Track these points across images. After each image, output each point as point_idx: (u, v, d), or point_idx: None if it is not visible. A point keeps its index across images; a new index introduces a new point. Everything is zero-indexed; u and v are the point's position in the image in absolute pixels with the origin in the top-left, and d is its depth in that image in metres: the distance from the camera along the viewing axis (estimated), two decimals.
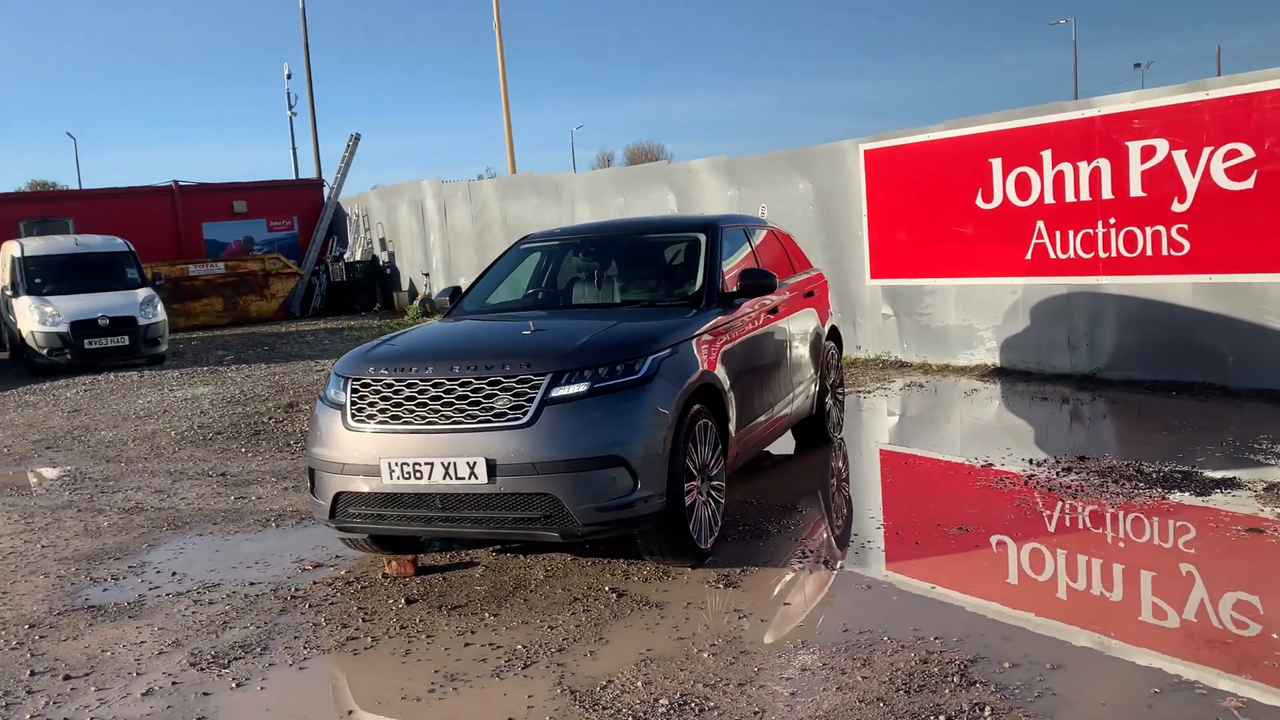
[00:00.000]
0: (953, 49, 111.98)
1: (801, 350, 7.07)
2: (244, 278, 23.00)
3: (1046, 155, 9.63)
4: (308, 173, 33.99)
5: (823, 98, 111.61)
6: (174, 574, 5.66)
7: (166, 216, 24.99)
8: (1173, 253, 8.78)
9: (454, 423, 4.73)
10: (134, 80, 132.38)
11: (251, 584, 5.39)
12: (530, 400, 4.67)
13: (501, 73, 22.97)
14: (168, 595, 5.30)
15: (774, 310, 6.48)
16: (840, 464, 7.28)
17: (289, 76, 35.00)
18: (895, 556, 5.16)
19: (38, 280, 16.13)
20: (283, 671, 4.26)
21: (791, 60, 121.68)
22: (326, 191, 26.74)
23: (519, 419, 4.65)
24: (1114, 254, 9.19)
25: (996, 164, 10.08)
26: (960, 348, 10.75)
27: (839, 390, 8.00)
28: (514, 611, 4.71)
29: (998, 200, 10.13)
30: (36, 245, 16.84)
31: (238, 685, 4.14)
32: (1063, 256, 9.61)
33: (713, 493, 5.29)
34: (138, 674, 4.31)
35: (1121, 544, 5.12)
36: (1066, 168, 9.47)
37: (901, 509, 6.07)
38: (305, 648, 4.48)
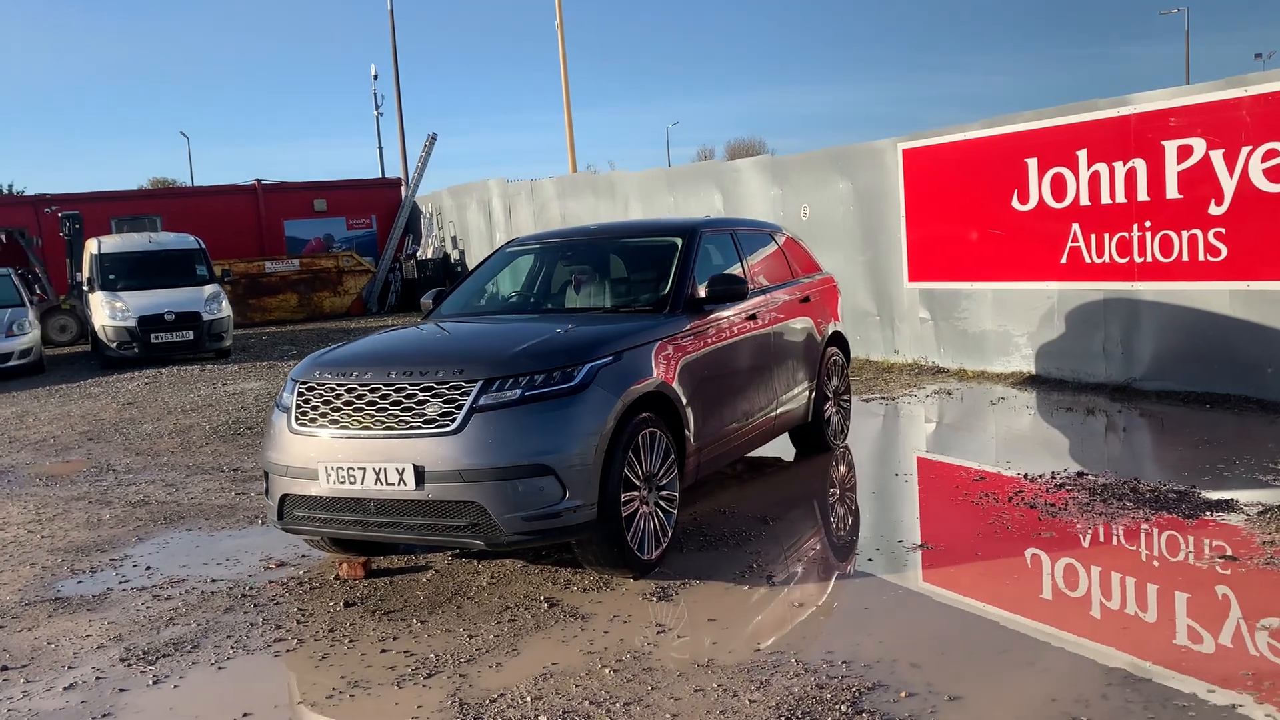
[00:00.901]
0: (1063, 40, 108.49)
1: (793, 357, 6.91)
2: (318, 275, 23.62)
3: (1082, 155, 9.23)
4: (394, 171, 34.75)
5: (930, 90, 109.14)
6: (148, 568, 5.83)
7: (250, 214, 25.84)
8: (1209, 258, 8.33)
9: (387, 428, 4.75)
10: (241, 78, 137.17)
11: (213, 581, 5.51)
12: (460, 407, 4.66)
13: (563, 71, 23.14)
14: (132, 589, 5.45)
15: (753, 317, 6.35)
16: (832, 474, 7.10)
17: (375, 77, 35.82)
18: (842, 574, 5.00)
19: (111, 276, 16.81)
20: (202, 671, 4.34)
21: (903, 51, 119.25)
22: (404, 190, 27.29)
23: (447, 426, 4.65)
24: (1149, 259, 8.77)
25: (1032, 164, 9.71)
26: (996, 354, 10.40)
27: (844, 397, 7.81)
28: (443, 619, 4.72)
29: (1033, 202, 9.76)
30: (113, 243, 17.56)
31: (154, 683, 4.23)
32: (1098, 261, 9.21)
33: (661, 503, 5.21)
34: (69, 667, 4.44)
35: (1080, 569, 4.86)
36: (1102, 168, 9.07)
37: (873, 523, 5.88)
38: (233, 648, 4.55)
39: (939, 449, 7.81)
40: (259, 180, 26.10)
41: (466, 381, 4.71)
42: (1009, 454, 7.31)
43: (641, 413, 5.08)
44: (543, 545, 4.88)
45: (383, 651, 4.39)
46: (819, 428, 7.41)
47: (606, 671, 4.02)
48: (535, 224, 20.12)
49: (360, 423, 4.82)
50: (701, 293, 5.88)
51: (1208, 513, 5.51)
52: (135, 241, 17.71)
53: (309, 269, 23.53)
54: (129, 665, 4.42)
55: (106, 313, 15.99)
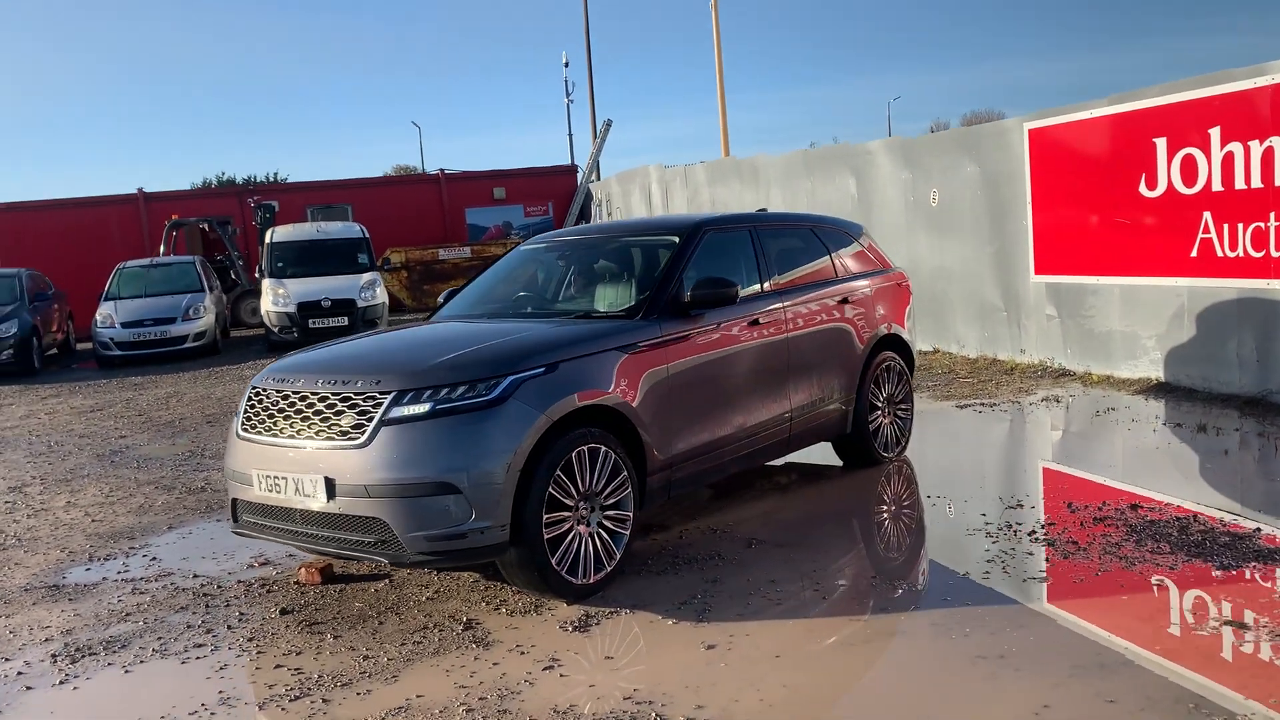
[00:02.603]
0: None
1: (820, 364, 6.38)
2: (488, 262, 24.13)
3: (1215, 134, 8.07)
4: (584, 158, 35.30)
5: (1173, 55, 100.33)
6: (152, 559, 6.05)
7: (434, 203, 26.87)
8: None
9: (307, 438, 4.68)
10: (467, 69, 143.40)
11: (195, 576, 5.65)
12: (370, 419, 4.52)
13: (717, 49, 22.55)
14: (121, 581, 5.66)
15: (755, 322, 5.88)
16: (863, 492, 6.51)
17: (566, 64, 36.43)
18: (784, 612, 4.52)
19: (280, 264, 17.86)
20: (109, 674, 4.41)
21: (1158, 17, 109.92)
22: (580, 177, 27.64)
23: (357, 438, 4.52)
24: None
25: (1161, 144, 8.59)
26: (1123, 358, 9.31)
27: (901, 406, 7.16)
28: (357, 635, 4.61)
29: (1162, 187, 8.64)
30: (284, 232, 18.64)
31: (60, 683, 4.34)
32: (1231, 255, 8.04)
33: (608, 524, 4.89)
34: (4, 659, 4.63)
35: (1061, 628, 4.18)
36: (1236, 148, 7.89)
37: (867, 553, 5.33)
38: (153, 651, 4.61)
39: (991, 469, 7.04)
40: (442, 170, 27.10)
41: (380, 393, 4.56)
42: (1066, 478, 6.48)
43: (582, 427, 4.79)
44: (454, 566, 4.68)
45: (276, 667, 4.32)
46: (863, 439, 6.82)
47: (462, 710, 3.78)
48: (689, 210, 19.83)
49: (285, 431, 4.77)
50: (686, 297, 5.48)
51: (1254, 562, 4.64)
52: (304, 231, 18.72)
53: (479, 256, 24.22)
54: (55, 662, 4.56)
55: (270, 299, 17.01)
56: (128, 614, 5.11)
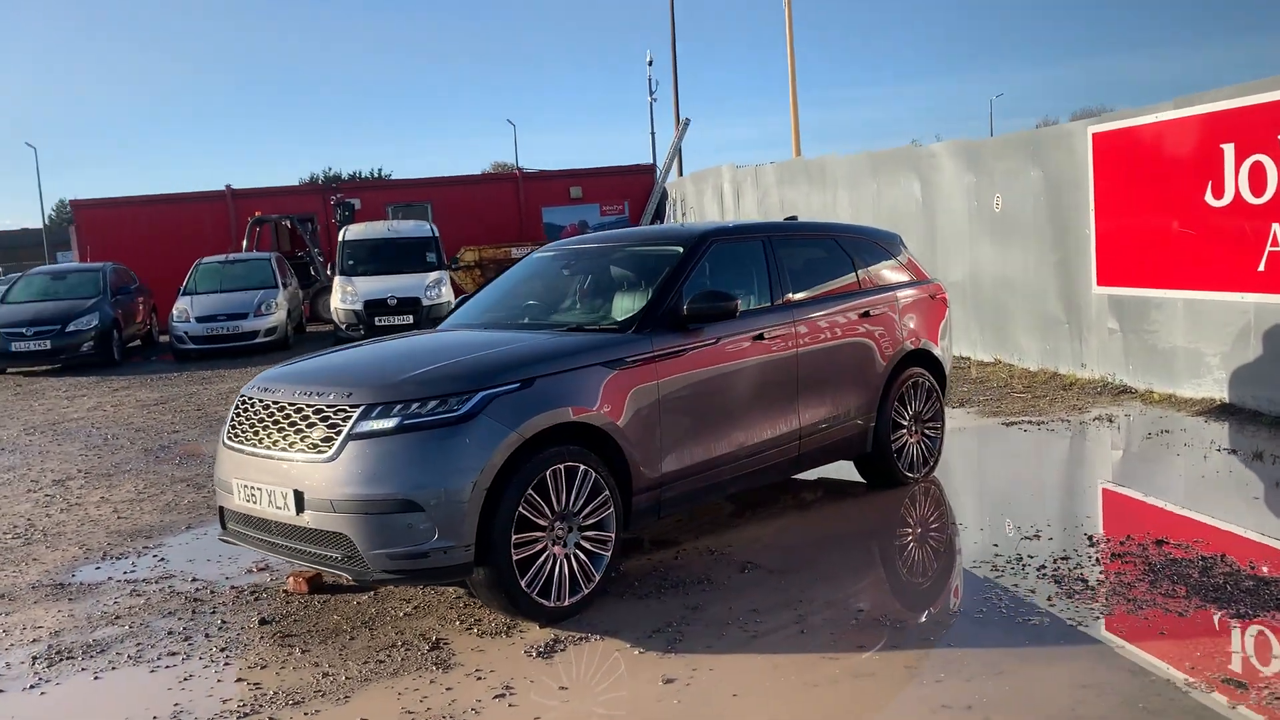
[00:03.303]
0: None
1: (835, 380, 6.14)
2: None
3: None
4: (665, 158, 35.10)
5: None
6: (160, 560, 6.12)
7: (511, 201, 27.06)
8: None
9: (281, 450, 4.65)
10: (560, 67, 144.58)
11: (194, 580, 5.69)
12: (339, 433, 4.47)
13: (789, 47, 22.13)
14: (124, 582, 5.73)
15: (759, 337, 5.67)
16: (878, 516, 6.23)
17: (650, 63, 36.30)
18: (757, 646, 4.32)
19: (351, 262, 18.14)
20: (79, 680, 4.45)
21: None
22: (657, 176, 27.52)
23: (326, 452, 4.47)
24: None
25: (1229, 150, 8.07)
26: (1187, 376, 8.80)
27: (930, 425, 6.86)
28: (325, 651, 4.56)
29: (1229, 196, 8.12)
30: (357, 230, 18.93)
31: (31, 687, 4.39)
32: None
33: (586, 544, 4.76)
34: None
35: (1038, 678, 3.90)
36: None
37: (861, 584, 5.07)
38: (128, 658, 4.64)
39: (1025, 494, 6.68)
40: (520, 169, 27.28)
41: (350, 406, 4.50)
42: (1095, 508, 6.11)
43: (559, 444, 4.66)
44: (421, 584, 4.60)
45: (237, 681, 4.30)
46: (885, 459, 6.55)
47: None
48: (758, 211, 19.56)
49: (264, 442, 4.75)
50: (684, 311, 5.31)
51: (1276, 611, 4.27)
52: (375, 230, 18.99)
53: None
54: (33, 664, 4.62)
55: (339, 296, 17.29)
56: (118, 617, 5.16)
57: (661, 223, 26.10)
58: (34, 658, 4.69)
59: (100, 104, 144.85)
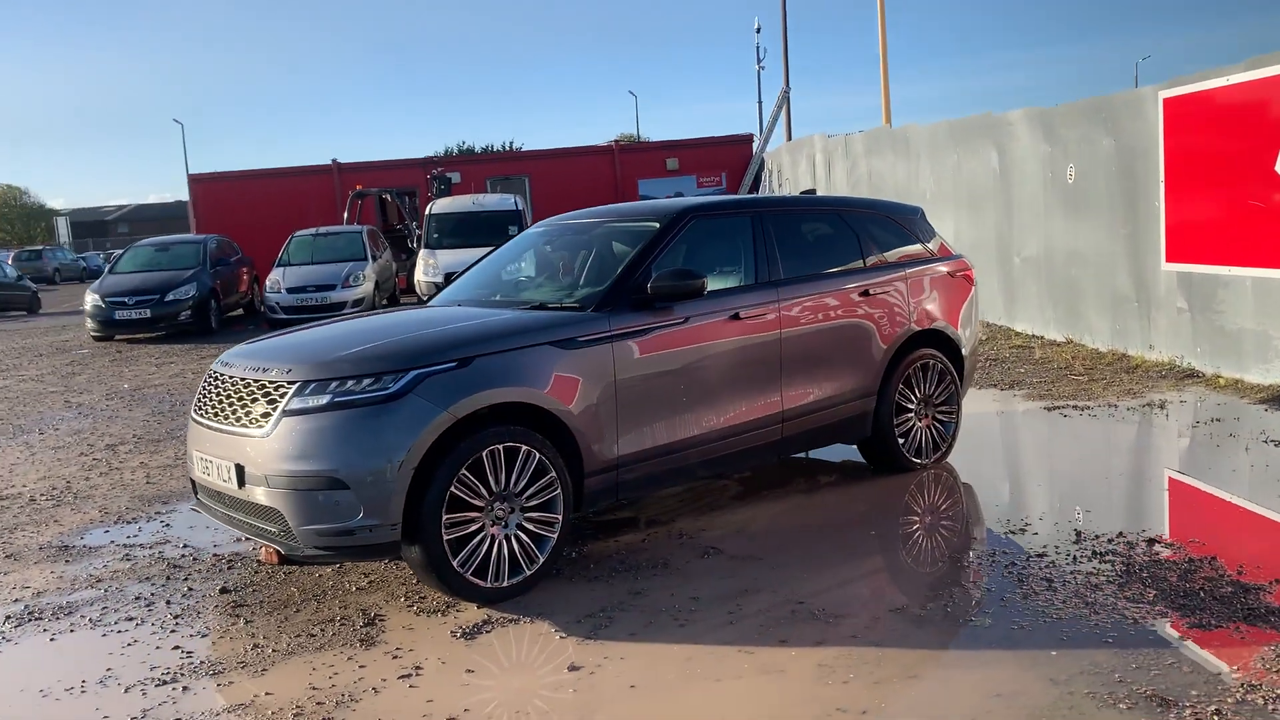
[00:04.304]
0: None
1: (824, 361, 5.91)
2: None
3: None
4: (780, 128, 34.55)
5: None
6: (165, 526, 6.35)
7: (607, 173, 27.09)
8: None
9: (229, 424, 4.73)
10: (682, 40, 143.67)
11: (184, 546, 5.88)
12: (276, 409, 4.52)
13: (880, 6, 21.31)
14: (122, 546, 5.96)
15: (736, 316, 5.49)
16: (875, 502, 5.97)
17: (758, 30, 35.67)
18: (680, 636, 4.20)
19: (436, 235, 18.45)
20: (35, 641, 4.64)
21: None
22: (756, 146, 27.11)
23: (263, 427, 4.53)
24: None
25: None
26: (1255, 360, 8.17)
27: (943, 409, 6.54)
28: (266, 622, 4.64)
29: None
30: (444, 204, 19.23)
31: None
32: None
33: (530, 525, 4.71)
34: None
35: (954, 683, 3.67)
36: None
37: (815, 574, 4.84)
38: (89, 622, 4.81)
39: (1035, 483, 6.31)
40: (615, 141, 27.23)
41: (288, 382, 4.54)
42: (1104, 501, 5.73)
43: (499, 424, 4.61)
44: (349, 561, 4.62)
45: (174, 649, 4.42)
46: (887, 444, 6.29)
47: (291, 715, 3.73)
48: (847, 182, 19.02)
49: (218, 415, 4.84)
50: (648, 290, 5.18)
51: (1240, 623, 3.92)
52: (461, 204, 19.24)
53: None
54: (3, 624, 4.84)
55: (422, 268, 17.62)
56: (99, 580, 5.37)
57: (757, 193, 25.73)
58: (6, 618, 4.91)
59: (246, 81, 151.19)
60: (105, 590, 5.20)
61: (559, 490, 4.79)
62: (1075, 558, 4.76)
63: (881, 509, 5.87)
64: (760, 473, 6.63)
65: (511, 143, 57.43)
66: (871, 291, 6.16)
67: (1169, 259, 9.17)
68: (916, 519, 5.71)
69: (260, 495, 4.51)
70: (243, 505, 4.67)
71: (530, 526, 4.73)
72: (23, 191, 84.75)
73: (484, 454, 4.55)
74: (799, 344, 5.77)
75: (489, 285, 6.02)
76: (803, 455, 6.83)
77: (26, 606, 5.04)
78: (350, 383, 4.47)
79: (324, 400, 4.43)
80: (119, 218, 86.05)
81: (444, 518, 4.45)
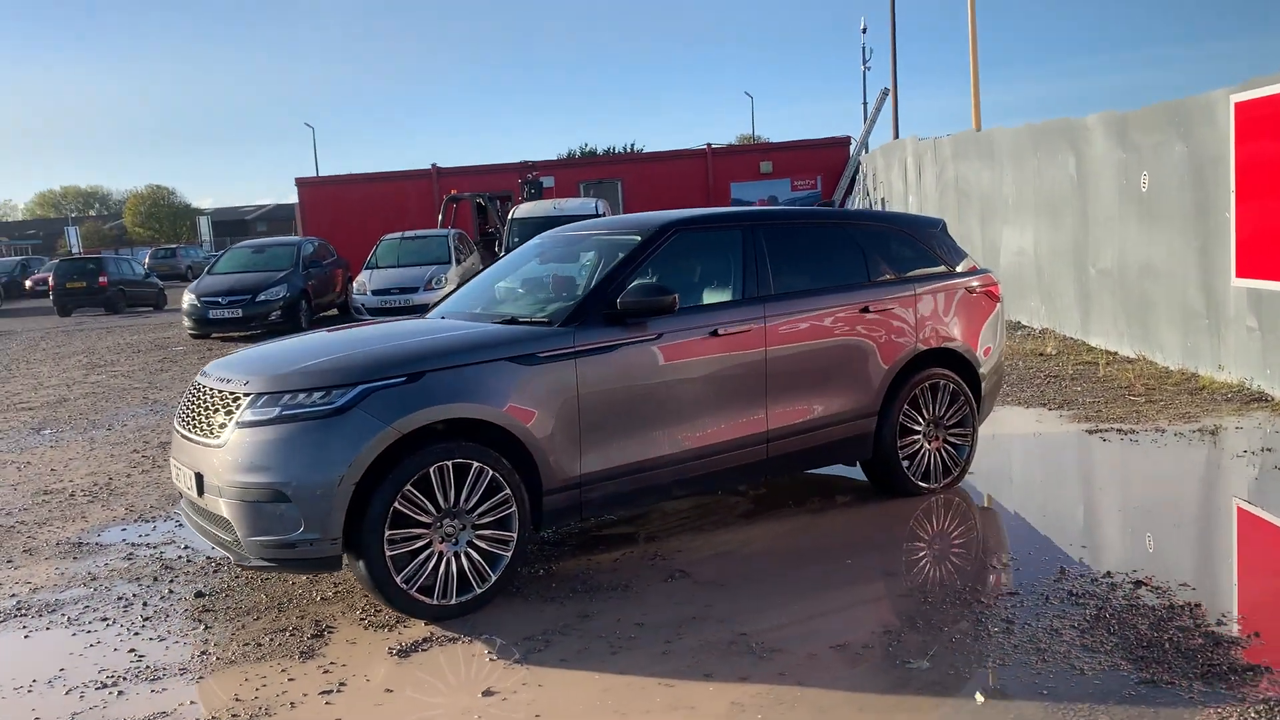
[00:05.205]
0: None
1: (817, 380, 5.73)
2: None
3: None
4: (884, 129, 33.88)
5: None
6: (177, 525, 6.55)
7: (700, 177, 26.95)
8: None
9: (194, 433, 4.84)
10: (798, 40, 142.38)
11: (185, 548, 6.05)
12: (231, 420, 4.60)
13: (971, 14, 20.55)
14: (128, 545, 6.17)
15: (714, 333, 5.35)
16: (871, 529, 5.74)
17: (864, 30, 35.06)
18: (610, 665, 4.11)
19: (517, 239, 18.58)
20: (8, 637, 4.84)
21: None
22: (853, 149, 26.60)
23: (220, 438, 4.62)
24: None
25: None
26: None
27: (954, 431, 6.26)
28: (225, 628, 4.74)
29: None
30: (525, 209, 19.41)
31: None
32: None
33: (480, 543, 4.68)
34: None
35: None
36: None
37: (766, 606, 4.68)
38: (67, 620, 4.99)
39: (1047, 514, 5.97)
40: (709, 144, 27.06)
41: (244, 394, 4.62)
42: (1109, 535, 5.38)
43: (449, 440, 4.60)
44: (294, 573, 4.66)
45: (130, 651, 4.55)
46: (890, 466, 6.05)
47: None
48: (936, 187, 18.48)
49: (188, 424, 4.96)
50: (617, 306, 5.10)
51: (1196, 683, 3.61)
52: (541, 208, 19.39)
53: None
54: None
55: None
56: (94, 579, 5.57)
57: (849, 196, 25.25)
58: None
59: (374, 87, 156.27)
60: (94, 589, 5.39)
61: (514, 508, 4.75)
62: (1048, 598, 4.48)
63: (875, 538, 5.62)
64: (777, 489, 6.49)
65: (633, 145, 57.70)
66: (872, 309, 5.93)
67: (1239, 274, 8.60)
68: (905, 549, 5.46)
69: (215, 505, 4.60)
70: (205, 514, 4.78)
71: (482, 544, 4.70)
72: (170, 191, 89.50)
73: (431, 470, 4.54)
74: (787, 362, 5.59)
75: (478, 298, 6.02)
76: (826, 472, 6.64)
77: (19, 603, 5.26)
78: (301, 395, 4.52)
79: (273, 413, 4.49)
80: (258, 217, 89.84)
81: (387, 533, 4.46)
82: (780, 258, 5.77)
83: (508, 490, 4.73)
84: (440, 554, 4.61)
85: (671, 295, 5.09)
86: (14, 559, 6.00)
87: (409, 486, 4.50)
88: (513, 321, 5.28)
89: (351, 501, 4.42)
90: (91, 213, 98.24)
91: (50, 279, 29.21)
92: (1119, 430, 7.55)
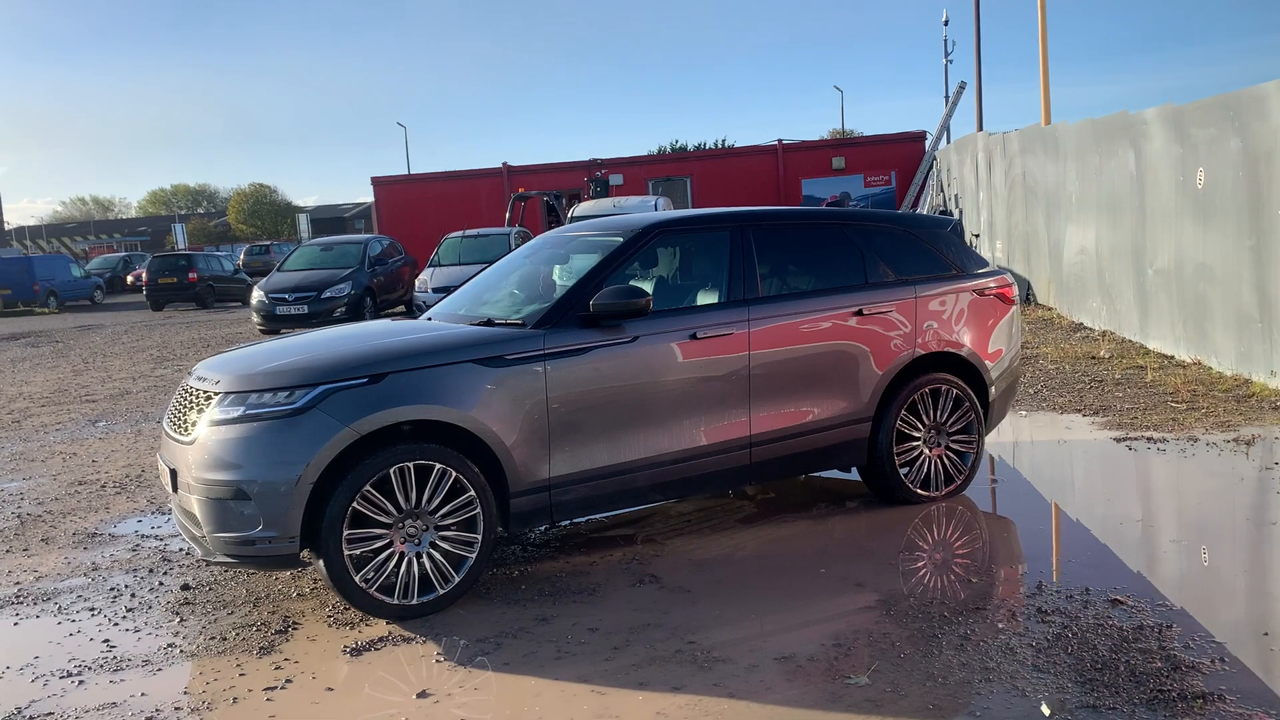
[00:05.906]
0: None
1: (805, 385, 5.61)
2: None
3: None
4: (966, 122, 33.07)
5: None
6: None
7: (770, 173, 26.70)
8: None
9: (173, 430, 4.97)
10: (890, 34, 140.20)
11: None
12: (202, 418, 4.70)
13: (1041, 8, 19.82)
14: (138, 537, 6.37)
15: (694, 336, 5.28)
16: (861, 537, 5.62)
17: (946, 23, 34.26)
18: (551, 669, 4.08)
19: None
20: (1, 624, 5.03)
21: None
22: (928, 144, 26.05)
23: (191, 435, 4.72)
24: None
25: None
26: None
27: (957, 439, 6.08)
28: (199, 621, 4.86)
29: None
30: (586, 208, 19.48)
31: None
32: None
33: (444, 544, 4.71)
34: None
35: None
36: None
37: (734, 614, 4.59)
38: (56, 610, 5.17)
39: (1038, 525, 5.74)
40: (780, 140, 26.77)
41: (215, 393, 4.72)
42: (1105, 553, 5.15)
43: (411, 441, 4.64)
44: (256, 570, 4.73)
45: (104, 641, 4.69)
46: (883, 474, 5.90)
47: (141, 717, 3.88)
48: (1004, 182, 17.98)
49: (170, 422, 5.09)
50: (589, 308, 5.07)
51: (1138, 710, 3.44)
52: (601, 207, 19.44)
53: None
54: None
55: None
56: (95, 569, 5.76)
57: (921, 193, 24.72)
58: None
59: (466, 85, 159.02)
60: (92, 579, 5.57)
61: (479, 510, 4.76)
62: (1015, 614, 4.32)
63: (870, 544, 5.50)
64: (785, 493, 6.42)
65: (723, 140, 57.50)
66: (866, 311, 5.79)
67: None
68: (885, 559, 5.31)
69: (186, 501, 4.72)
70: (179, 508, 4.90)
71: (446, 545, 4.72)
72: (272, 190, 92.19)
73: (391, 471, 4.58)
74: (772, 365, 5.49)
75: (467, 300, 6.05)
76: (839, 477, 6.52)
77: (19, 590, 5.46)
78: (266, 395, 4.60)
79: (238, 412, 4.58)
80: (355, 214, 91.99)
81: (346, 533, 4.51)
82: (770, 260, 5.67)
83: (472, 492, 4.74)
84: (402, 555, 4.64)
85: (645, 298, 5.04)
86: (30, 547, 6.24)
87: (368, 487, 4.54)
88: (489, 323, 5.29)
89: (311, 501, 4.48)
90: (200, 210, 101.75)
91: (144, 275, 30.38)
92: (1149, 439, 7.23)
